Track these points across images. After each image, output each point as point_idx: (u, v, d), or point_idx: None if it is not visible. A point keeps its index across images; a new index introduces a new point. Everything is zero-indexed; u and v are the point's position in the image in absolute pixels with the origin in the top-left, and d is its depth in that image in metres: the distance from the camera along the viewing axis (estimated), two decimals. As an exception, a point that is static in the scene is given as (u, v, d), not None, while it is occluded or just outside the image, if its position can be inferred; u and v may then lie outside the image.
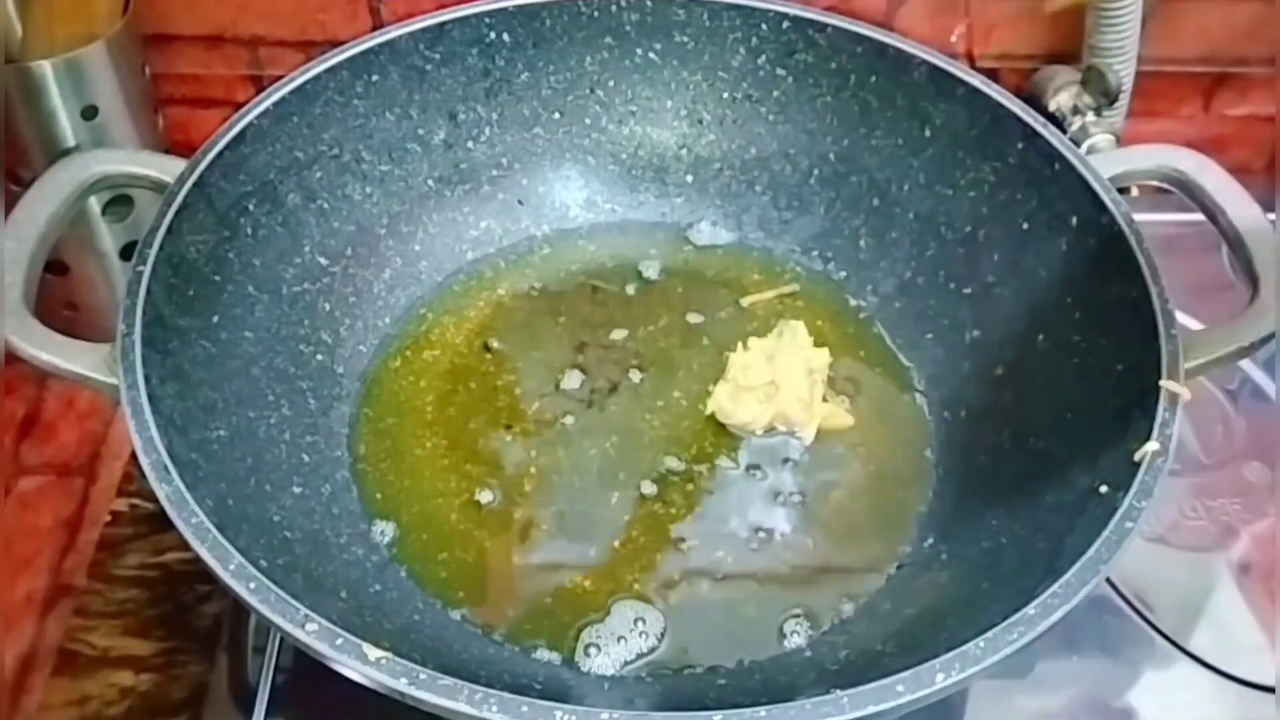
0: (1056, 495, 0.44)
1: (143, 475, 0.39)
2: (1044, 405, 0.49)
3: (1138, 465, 0.40)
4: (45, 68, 0.54)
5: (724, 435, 0.53)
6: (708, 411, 0.53)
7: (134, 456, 0.40)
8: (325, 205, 0.55)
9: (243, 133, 0.50)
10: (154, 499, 0.38)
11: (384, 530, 0.49)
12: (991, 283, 0.54)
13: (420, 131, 0.58)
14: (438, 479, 0.51)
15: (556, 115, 0.61)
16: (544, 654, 0.45)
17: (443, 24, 0.56)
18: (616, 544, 0.49)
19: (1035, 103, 0.67)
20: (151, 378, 0.42)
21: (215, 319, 0.48)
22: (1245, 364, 0.61)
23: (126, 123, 0.59)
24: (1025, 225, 0.52)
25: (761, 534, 0.50)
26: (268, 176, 0.52)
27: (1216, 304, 0.48)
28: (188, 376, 0.45)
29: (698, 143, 0.62)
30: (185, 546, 0.37)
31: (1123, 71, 0.65)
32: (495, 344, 0.57)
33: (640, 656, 0.46)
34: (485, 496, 0.50)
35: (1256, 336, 0.44)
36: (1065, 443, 0.46)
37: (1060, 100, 0.67)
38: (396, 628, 0.44)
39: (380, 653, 0.34)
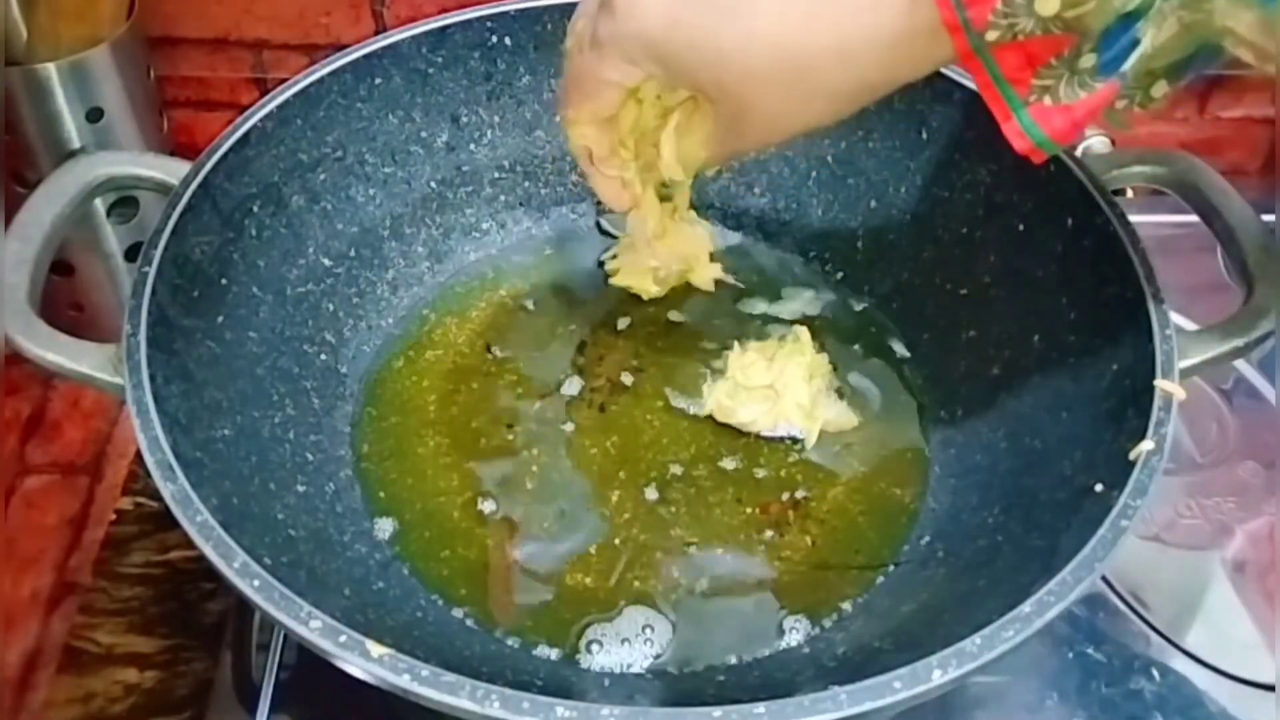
0: (1052, 494, 0.45)
1: (148, 474, 0.39)
2: (1040, 405, 0.49)
3: (1133, 464, 0.41)
4: (50, 70, 0.55)
5: (723, 435, 0.53)
6: (706, 410, 0.54)
7: (139, 455, 0.40)
8: (329, 207, 0.55)
9: (247, 135, 0.51)
10: (159, 497, 0.39)
11: (386, 528, 0.49)
12: (988, 284, 0.54)
13: (423, 134, 0.58)
14: (440, 477, 0.51)
15: (558, 118, 0.61)
16: (545, 651, 0.46)
17: (445, 27, 0.57)
18: (617, 542, 0.49)
19: (1032, 105, 0.67)
20: (156, 378, 0.42)
21: (220, 319, 0.48)
22: (1240, 364, 0.61)
23: (131, 125, 0.59)
24: (1021, 227, 0.53)
25: (760, 532, 0.50)
26: (272, 178, 0.52)
27: (1211, 305, 0.48)
28: (192, 376, 0.45)
29: (697, 145, 0.62)
30: (190, 544, 0.38)
31: (1119, 74, 0.66)
32: (497, 345, 0.57)
33: (642, 659, 0.46)
34: (487, 495, 0.51)
35: (1251, 337, 0.44)
36: (1061, 442, 0.47)
37: (1057, 102, 0.68)
38: (399, 624, 0.44)
39: (383, 649, 0.35)
